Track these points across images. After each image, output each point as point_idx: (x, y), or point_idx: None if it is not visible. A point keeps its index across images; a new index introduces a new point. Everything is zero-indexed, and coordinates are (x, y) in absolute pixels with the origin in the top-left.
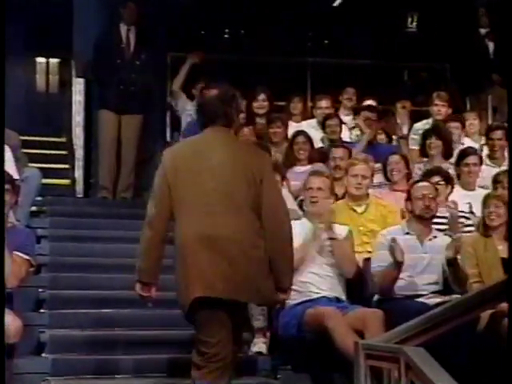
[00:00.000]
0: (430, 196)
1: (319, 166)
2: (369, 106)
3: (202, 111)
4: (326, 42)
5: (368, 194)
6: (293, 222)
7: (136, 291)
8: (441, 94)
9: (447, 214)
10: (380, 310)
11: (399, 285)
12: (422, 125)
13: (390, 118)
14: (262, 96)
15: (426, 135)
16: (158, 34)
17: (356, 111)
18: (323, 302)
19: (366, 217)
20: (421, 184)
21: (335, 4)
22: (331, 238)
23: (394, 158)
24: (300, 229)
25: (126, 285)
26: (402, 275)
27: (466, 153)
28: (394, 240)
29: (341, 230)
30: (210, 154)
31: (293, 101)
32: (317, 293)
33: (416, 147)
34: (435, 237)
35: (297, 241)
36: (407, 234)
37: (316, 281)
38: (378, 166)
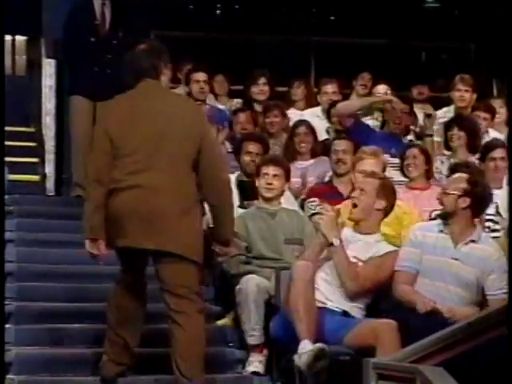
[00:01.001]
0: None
1: (324, 159)
2: (403, 96)
3: (131, 66)
4: (333, 18)
5: None
6: None
7: (88, 250)
8: (464, 77)
9: None
10: (394, 321)
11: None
12: (443, 113)
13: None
14: (262, 80)
15: (448, 126)
16: (139, 9)
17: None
18: (323, 315)
19: None
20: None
21: None
22: (330, 244)
23: (413, 151)
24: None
25: (104, 296)
26: (422, 281)
27: (491, 145)
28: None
29: (380, 247)
30: (147, 108)
31: (293, 85)
32: (322, 302)
33: (437, 138)
34: (473, 241)
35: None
36: (441, 232)
37: (324, 288)
38: (397, 161)
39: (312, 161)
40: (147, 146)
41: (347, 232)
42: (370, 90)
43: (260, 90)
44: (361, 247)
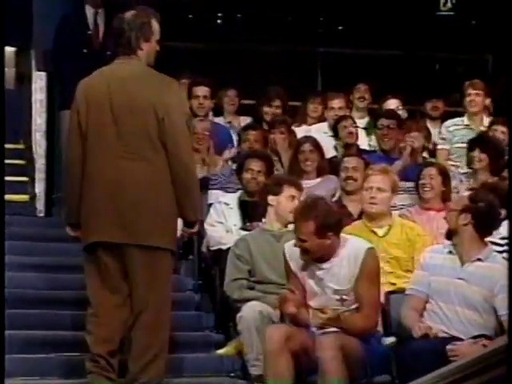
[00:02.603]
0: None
1: (331, 178)
2: (387, 111)
3: (111, 42)
4: (341, 28)
5: (391, 213)
6: None
7: (70, 234)
8: (474, 81)
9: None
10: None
11: (426, 319)
12: (455, 121)
13: (419, 123)
14: (276, 102)
15: (470, 147)
16: None
17: (373, 114)
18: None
19: (389, 241)
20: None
21: None
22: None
23: (431, 170)
24: None
25: None
26: (430, 304)
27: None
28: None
29: (354, 252)
30: (115, 92)
31: (311, 101)
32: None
33: (446, 146)
34: (479, 260)
35: None
36: (450, 252)
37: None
38: (405, 184)
39: (319, 179)
40: (109, 130)
41: (311, 270)
42: (373, 100)
43: (273, 112)
44: (334, 274)
